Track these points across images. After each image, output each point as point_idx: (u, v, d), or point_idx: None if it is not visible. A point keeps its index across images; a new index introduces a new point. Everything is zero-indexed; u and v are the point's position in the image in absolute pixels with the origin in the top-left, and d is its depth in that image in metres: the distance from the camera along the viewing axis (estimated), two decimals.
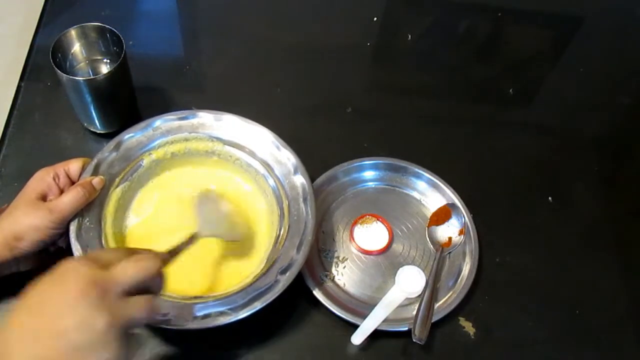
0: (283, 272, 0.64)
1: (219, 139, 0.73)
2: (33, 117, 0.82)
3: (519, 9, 1.06)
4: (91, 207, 0.66)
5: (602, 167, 0.88)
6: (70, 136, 0.81)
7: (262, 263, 0.67)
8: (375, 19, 1.01)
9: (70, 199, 0.62)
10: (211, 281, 0.68)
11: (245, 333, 0.67)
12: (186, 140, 0.73)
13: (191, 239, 0.61)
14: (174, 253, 0.58)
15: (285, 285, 0.62)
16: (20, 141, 0.80)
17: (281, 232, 0.68)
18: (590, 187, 0.85)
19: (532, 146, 0.89)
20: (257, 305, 0.61)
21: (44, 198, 0.63)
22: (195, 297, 0.63)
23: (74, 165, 0.66)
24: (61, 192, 0.64)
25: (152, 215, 0.72)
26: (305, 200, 0.69)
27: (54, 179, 0.64)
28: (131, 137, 0.71)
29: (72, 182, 0.66)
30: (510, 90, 0.94)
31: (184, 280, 0.67)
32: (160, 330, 0.66)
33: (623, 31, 1.06)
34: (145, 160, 0.72)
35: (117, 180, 0.69)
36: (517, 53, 1.00)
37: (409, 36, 0.99)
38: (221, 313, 0.60)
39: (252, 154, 0.73)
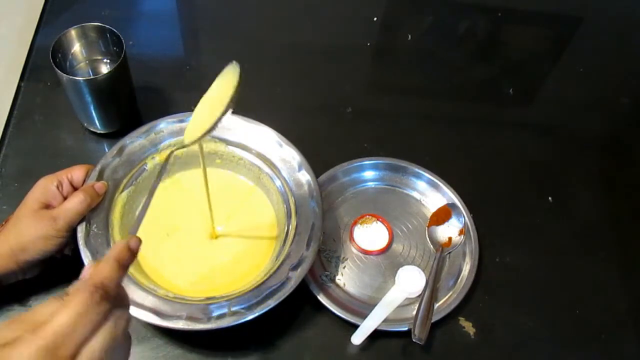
0: (294, 268, 0.64)
1: (221, 140, 0.73)
2: (33, 117, 0.82)
3: (519, 9, 1.06)
4: (97, 213, 0.65)
5: (602, 167, 0.88)
6: (70, 136, 0.81)
7: (272, 261, 0.67)
8: (375, 19, 1.01)
9: (73, 205, 0.62)
10: (220, 282, 0.68)
11: (245, 333, 0.67)
12: None
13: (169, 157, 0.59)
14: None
15: (297, 282, 0.63)
16: (20, 141, 0.80)
17: (289, 230, 0.68)
18: (590, 187, 0.85)
19: (532, 146, 0.89)
20: (271, 304, 0.61)
21: (47, 207, 0.62)
22: (208, 298, 0.63)
23: (77, 173, 0.65)
24: (65, 199, 0.63)
25: (159, 218, 0.72)
26: (311, 196, 0.69)
27: (57, 187, 0.63)
28: (134, 141, 0.71)
29: (76, 190, 0.65)
30: (510, 90, 0.94)
31: (194, 281, 0.68)
32: (166, 330, 0.67)
33: (623, 31, 1.06)
34: (149, 164, 0.72)
35: (122, 185, 0.69)
36: (517, 53, 1.01)
37: (409, 36, 0.99)
38: (235, 313, 0.61)
39: (255, 153, 0.73)
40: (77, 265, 0.62)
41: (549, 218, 0.82)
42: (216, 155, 0.74)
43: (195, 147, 0.72)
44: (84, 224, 0.64)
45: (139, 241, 0.47)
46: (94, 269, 0.42)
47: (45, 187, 0.63)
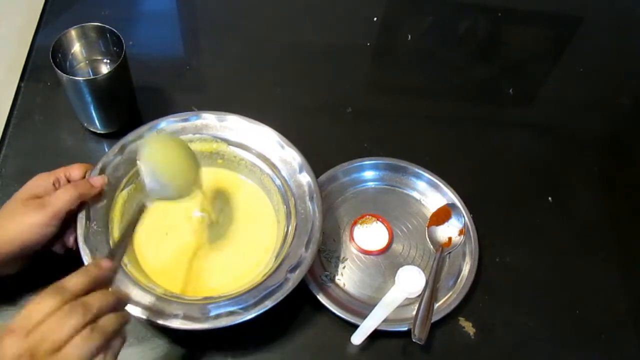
0: (292, 270, 0.64)
1: (223, 140, 0.73)
2: (33, 117, 0.82)
3: (519, 9, 1.06)
4: (98, 210, 0.65)
5: (602, 167, 0.88)
6: (70, 136, 0.81)
7: (271, 262, 0.67)
8: (375, 19, 1.01)
9: (64, 193, 0.61)
10: (219, 281, 0.68)
11: (245, 333, 0.68)
12: (190, 141, 0.73)
13: (139, 211, 0.60)
14: (121, 244, 0.57)
15: (295, 284, 0.63)
16: (20, 141, 0.80)
17: (288, 231, 0.68)
18: (590, 187, 0.85)
19: (532, 146, 0.89)
20: (268, 304, 0.61)
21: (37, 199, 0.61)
22: (206, 298, 0.63)
23: (75, 172, 0.65)
24: None
25: (159, 217, 0.72)
26: (311, 198, 0.69)
27: (54, 184, 0.63)
28: (135, 140, 0.71)
29: None
30: (510, 90, 0.94)
31: (192, 280, 0.68)
32: (166, 330, 0.67)
33: (623, 31, 1.06)
34: None
35: (123, 183, 0.69)
36: (517, 53, 1.01)
37: (409, 36, 0.99)
38: (232, 312, 0.61)
39: (256, 153, 0.73)
40: (72, 264, 0.62)
41: (549, 218, 0.82)
42: (218, 155, 0.74)
43: (198, 147, 0.73)
44: (83, 221, 0.64)
45: (110, 265, 0.52)
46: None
47: (39, 181, 0.62)
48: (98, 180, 0.65)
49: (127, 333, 0.66)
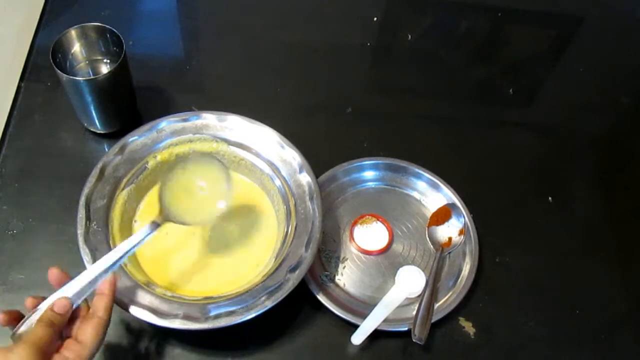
0: (292, 270, 0.64)
1: (223, 140, 0.73)
2: (33, 117, 0.82)
3: (519, 9, 1.06)
4: (98, 210, 0.66)
5: (602, 167, 0.88)
6: (70, 136, 0.81)
7: (271, 262, 0.67)
8: (375, 19, 1.01)
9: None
10: (219, 281, 0.68)
11: (245, 333, 0.68)
12: (190, 141, 0.73)
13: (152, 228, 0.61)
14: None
15: (295, 284, 0.63)
16: (20, 141, 0.80)
17: (289, 231, 0.68)
18: (590, 187, 0.85)
19: (532, 146, 0.89)
20: (268, 304, 0.61)
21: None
22: (206, 298, 0.63)
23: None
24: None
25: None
26: (311, 198, 0.69)
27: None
28: (135, 139, 0.71)
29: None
30: (510, 90, 0.94)
31: (192, 280, 0.68)
32: (166, 330, 0.67)
33: (623, 31, 1.06)
34: (151, 163, 0.72)
35: (123, 183, 0.69)
36: (517, 53, 1.01)
37: (409, 36, 0.99)
38: (232, 312, 0.61)
39: (256, 153, 0.73)
40: None
41: (549, 218, 0.82)
42: (218, 155, 0.74)
43: (187, 148, 0.73)
44: (83, 221, 0.64)
45: (67, 303, 0.53)
46: (31, 330, 0.51)
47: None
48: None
49: (126, 332, 0.67)
